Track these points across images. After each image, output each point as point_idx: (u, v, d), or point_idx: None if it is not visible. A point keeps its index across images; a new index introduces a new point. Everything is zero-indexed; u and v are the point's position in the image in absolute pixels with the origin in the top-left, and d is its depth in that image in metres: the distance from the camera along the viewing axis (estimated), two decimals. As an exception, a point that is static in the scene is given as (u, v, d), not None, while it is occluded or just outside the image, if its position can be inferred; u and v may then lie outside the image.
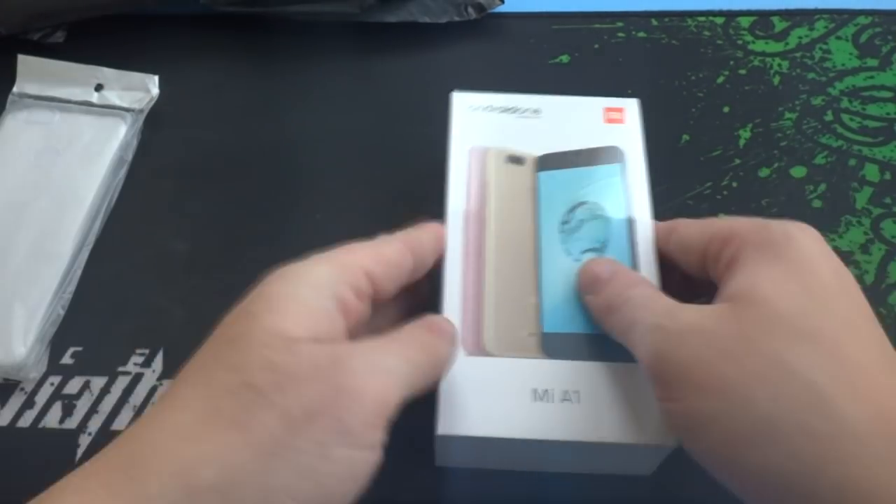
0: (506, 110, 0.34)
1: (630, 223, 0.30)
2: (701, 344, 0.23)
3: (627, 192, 0.31)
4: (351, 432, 0.21)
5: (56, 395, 0.34)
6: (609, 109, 0.34)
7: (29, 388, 0.34)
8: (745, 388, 0.22)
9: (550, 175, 0.32)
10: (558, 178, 0.32)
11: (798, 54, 0.44)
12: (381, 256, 0.26)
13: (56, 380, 0.34)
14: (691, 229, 0.28)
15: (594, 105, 0.34)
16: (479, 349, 0.28)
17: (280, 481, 0.20)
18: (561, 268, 0.29)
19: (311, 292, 0.23)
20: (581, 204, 0.31)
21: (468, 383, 0.27)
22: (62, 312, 0.35)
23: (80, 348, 0.35)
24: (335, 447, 0.20)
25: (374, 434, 0.21)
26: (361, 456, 0.21)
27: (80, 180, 0.38)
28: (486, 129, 0.33)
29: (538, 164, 0.32)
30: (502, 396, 0.27)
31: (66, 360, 0.35)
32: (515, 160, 0.32)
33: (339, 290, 0.24)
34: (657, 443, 0.26)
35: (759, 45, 0.44)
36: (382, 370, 0.22)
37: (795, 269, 0.23)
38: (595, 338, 0.28)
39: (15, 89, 0.40)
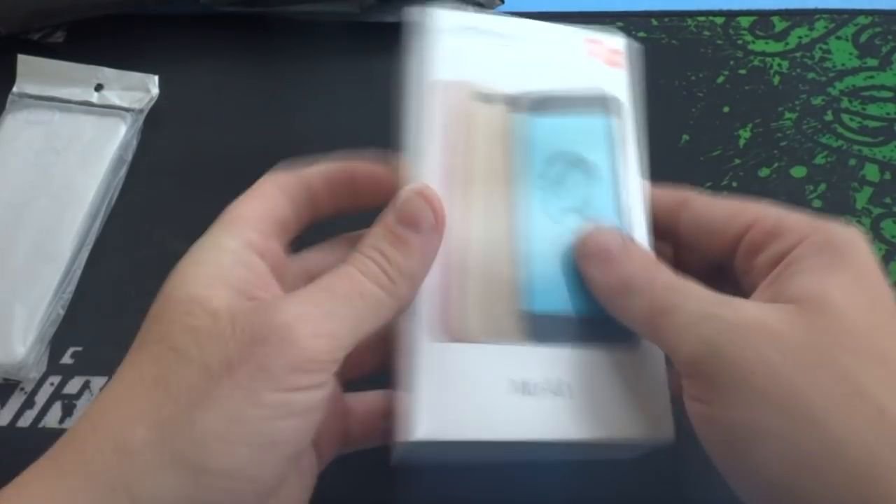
0: (483, 33, 0.28)
1: (618, 182, 0.27)
2: (767, 345, 0.20)
3: (611, 141, 0.27)
4: (276, 378, 0.20)
5: (56, 395, 0.34)
6: (591, 41, 0.30)
7: (29, 388, 0.34)
8: (815, 404, 0.19)
9: (529, 119, 0.27)
10: (538, 124, 0.27)
11: (798, 54, 0.44)
12: (283, 182, 0.26)
13: (56, 380, 0.34)
14: (716, 209, 0.25)
15: (579, 36, 0.30)
16: (450, 332, 0.24)
17: (209, 428, 0.20)
18: (543, 234, 0.26)
19: (219, 252, 0.23)
20: (563, 153, 0.27)
21: (435, 376, 0.23)
22: (62, 312, 0.35)
23: (79, 348, 0.35)
24: (262, 392, 0.20)
25: (306, 377, 0.21)
26: (299, 397, 0.21)
27: (80, 180, 0.38)
28: (462, 55, 0.28)
29: (514, 105, 0.27)
30: (483, 390, 0.23)
31: (66, 360, 0.35)
32: (490, 99, 0.27)
33: (246, 237, 0.24)
34: (660, 438, 0.24)
35: (759, 45, 0.44)
36: (308, 316, 0.21)
37: (861, 281, 0.22)
38: (581, 316, 0.25)
39: (15, 89, 0.40)
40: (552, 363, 0.24)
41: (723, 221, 0.25)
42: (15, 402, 0.34)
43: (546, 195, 0.26)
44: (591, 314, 0.25)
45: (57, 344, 0.35)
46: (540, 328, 0.24)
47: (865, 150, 0.40)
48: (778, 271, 0.23)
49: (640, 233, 0.26)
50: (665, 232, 0.27)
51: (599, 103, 0.28)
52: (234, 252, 0.23)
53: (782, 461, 0.20)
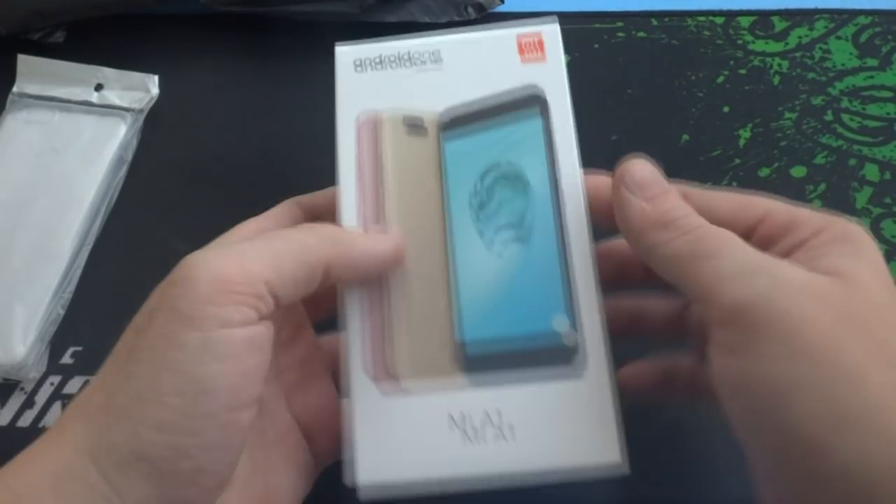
0: (400, 62, 0.27)
1: (555, 192, 0.25)
2: (815, 304, 0.20)
3: (550, 145, 0.26)
4: (190, 316, 0.21)
5: (56, 395, 0.34)
6: (524, 42, 0.28)
7: (29, 388, 0.34)
8: (859, 365, 0.19)
9: (455, 136, 0.26)
10: (465, 139, 0.26)
11: (798, 54, 0.44)
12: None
13: (56, 380, 0.34)
14: (721, 203, 0.25)
15: (505, 39, 0.28)
16: (384, 373, 0.24)
17: (141, 379, 0.21)
18: (475, 255, 0.25)
19: (218, 247, 0.25)
20: (492, 168, 0.26)
21: (383, 420, 0.23)
22: (62, 312, 0.35)
23: (79, 348, 0.35)
24: (179, 334, 0.21)
25: (217, 309, 0.21)
26: (218, 336, 0.21)
27: (80, 180, 0.38)
28: (378, 90, 0.27)
29: (440, 125, 0.27)
30: (423, 432, 0.23)
31: (66, 359, 0.35)
32: (414, 124, 0.27)
33: (242, 233, 0.26)
34: (608, 462, 0.23)
35: (759, 45, 0.44)
36: (219, 255, 0.22)
37: (877, 269, 0.22)
38: (517, 341, 0.24)
39: (15, 89, 0.41)
40: (490, 394, 0.24)
41: (730, 215, 0.25)
42: (15, 402, 0.34)
43: (479, 216, 0.25)
44: (530, 338, 0.24)
45: (57, 344, 0.35)
46: (476, 359, 0.24)
47: (865, 150, 0.40)
48: (800, 256, 0.23)
49: (579, 243, 0.25)
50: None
51: (526, 104, 0.27)
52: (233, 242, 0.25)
53: (821, 417, 0.19)
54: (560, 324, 0.25)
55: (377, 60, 0.27)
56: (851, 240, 0.22)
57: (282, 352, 0.27)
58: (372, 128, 0.27)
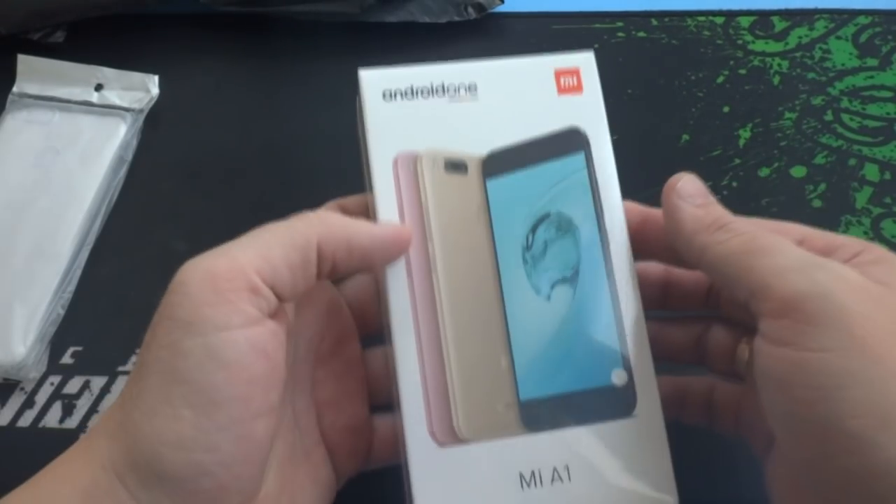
0: (432, 92, 0.26)
1: (603, 234, 0.26)
2: (869, 301, 0.21)
3: (595, 190, 0.26)
4: (189, 322, 0.21)
5: (56, 395, 0.34)
6: (561, 73, 0.27)
7: (29, 388, 0.34)
8: None
9: (501, 182, 0.26)
10: (512, 185, 0.26)
11: (798, 54, 0.44)
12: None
13: (56, 380, 0.34)
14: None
15: (543, 71, 0.27)
16: (443, 434, 0.24)
17: (154, 396, 0.21)
18: (531, 310, 0.25)
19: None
20: (544, 218, 0.25)
21: (445, 479, 0.23)
22: (62, 312, 0.35)
23: (80, 348, 0.35)
24: (183, 342, 0.21)
25: (217, 311, 0.21)
26: (218, 340, 0.21)
27: (80, 180, 0.38)
28: (411, 124, 0.26)
29: (484, 169, 0.26)
30: (485, 490, 0.23)
31: (66, 359, 0.35)
32: (456, 167, 0.26)
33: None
34: (663, 499, 0.24)
35: (759, 45, 0.44)
36: (209, 255, 0.22)
37: None
38: (577, 396, 0.24)
39: (15, 89, 0.40)
40: (552, 448, 0.24)
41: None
42: (15, 402, 0.34)
43: (532, 271, 0.25)
44: (591, 394, 0.24)
45: (57, 344, 0.35)
46: (536, 415, 0.24)
47: (865, 150, 0.40)
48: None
49: (625, 282, 0.25)
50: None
51: (572, 142, 0.26)
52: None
53: (868, 412, 0.19)
54: (620, 378, 0.25)
55: (408, 90, 0.26)
56: (889, 262, 0.23)
57: (319, 365, 0.27)
58: (411, 170, 0.25)
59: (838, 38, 0.44)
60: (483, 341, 0.24)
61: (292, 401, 0.26)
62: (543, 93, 0.27)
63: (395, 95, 0.26)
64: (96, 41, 0.43)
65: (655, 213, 0.27)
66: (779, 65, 0.43)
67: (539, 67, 0.27)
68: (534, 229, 0.26)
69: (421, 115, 0.26)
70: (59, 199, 0.38)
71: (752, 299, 0.23)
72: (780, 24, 0.45)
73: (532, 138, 0.26)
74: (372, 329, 0.28)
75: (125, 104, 0.41)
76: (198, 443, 0.20)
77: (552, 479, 0.23)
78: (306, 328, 0.26)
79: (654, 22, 0.45)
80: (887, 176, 0.39)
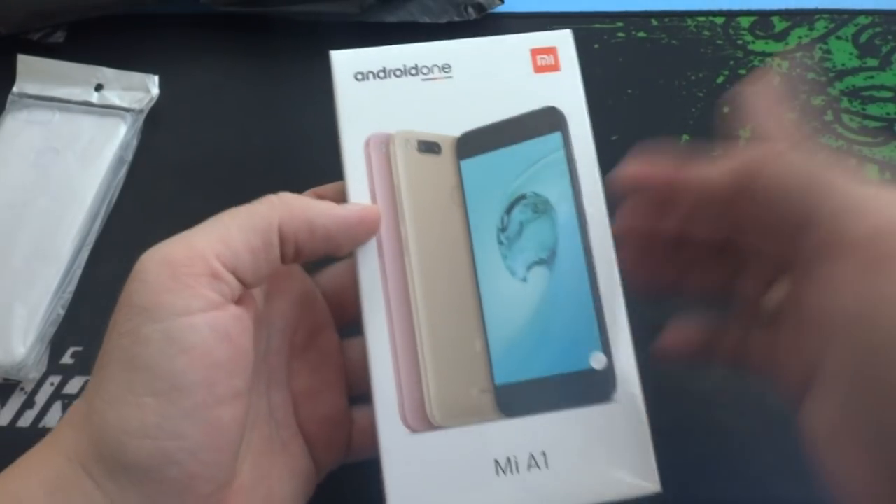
0: (405, 73, 0.26)
1: (581, 215, 0.25)
2: None
3: (573, 170, 0.25)
4: (147, 308, 0.21)
5: (56, 395, 0.34)
6: (538, 52, 0.26)
7: (29, 388, 0.34)
8: None
9: (476, 162, 0.25)
10: (486, 165, 0.25)
11: (798, 54, 0.44)
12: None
13: (56, 380, 0.34)
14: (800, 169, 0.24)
15: (519, 48, 0.26)
16: (415, 421, 0.23)
17: (116, 385, 0.20)
18: (506, 293, 0.24)
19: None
20: (519, 199, 0.25)
21: (418, 465, 0.23)
22: (62, 312, 0.35)
23: (79, 348, 0.35)
24: (142, 328, 0.20)
25: (176, 297, 0.21)
26: (177, 325, 0.20)
27: (80, 180, 0.38)
28: (384, 104, 0.25)
29: (458, 149, 0.25)
30: (459, 476, 0.23)
31: (66, 360, 0.35)
32: (429, 147, 0.25)
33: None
34: (646, 489, 0.23)
35: (759, 45, 0.44)
36: (167, 242, 0.22)
37: None
38: (554, 381, 0.24)
39: (15, 89, 0.40)
40: (528, 434, 0.23)
41: None
42: (15, 402, 0.34)
43: (508, 253, 0.25)
44: (569, 378, 0.24)
45: (57, 344, 0.35)
46: (511, 400, 0.24)
47: (865, 150, 0.40)
48: None
49: (606, 265, 0.25)
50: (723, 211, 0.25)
51: (549, 121, 0.26)
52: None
53: None
54: (598, 362, 0.25)
55: (380, 71, 0.26)
56: None
57: (294, 356, 0.27)
58: (384, 151, 0.25)
59: (838, 38, 0.44)
60: (457, 324, 0.24)
61: (267, 392, 0.26)
62: (519, 71, 0.26)
63: (368, 76, 0.26)
64: (96, 41, 0.43)
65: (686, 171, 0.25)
66: (779, 65, 0.43)
67: (514, 46, 0.26)
68: (509, 210, 0.25)
69: (394, 95, 0.25)
70: (59, 199, 0.38)
71: (819, 230, 0.21)
72: (780, 25, 0.45)
73: (507, 118, 0.26)
74: (350, 319, 0.28)
75: (125, 104, 0.40)
76: (162, 430, 0.20)
77: (529, 466, 0.23)
78: (279, 318, 0.26)
79: (654, 22, 0.45)
80: (887, 176, 0.39)
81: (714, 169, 0.24)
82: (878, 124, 0.41)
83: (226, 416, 0.21)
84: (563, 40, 0.27)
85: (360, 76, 0.26)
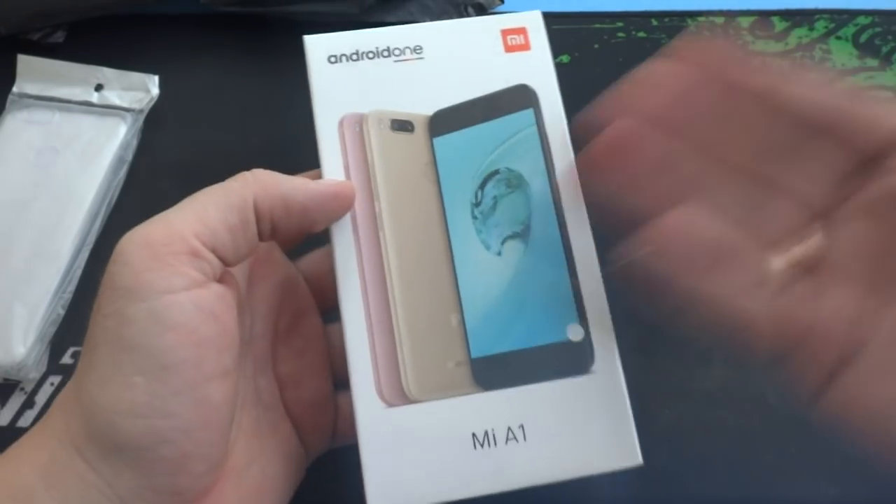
0: (378, 55, 0.26)
1: (554, 189, 0.25)
2: None
3: (545, 145, 0.25)
4: (130, 289, 0.21)
5: (56, 394, 0.34)
6: (508, 32, 0.27)
7: (29, 388, 0.34)
8: None
9: (448, 140, 0.26)
10: (459, 142, 0.25)
11: (798, 54, 0.44)
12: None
13: (56, 380, 0.34)
14: None
15: (489, 29, 0.27)
16: (391, 395, 0.23)
17: (104, 366, 0.21)
18: (481, 267, 0.24)
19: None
20: (493, 174, 0.25)
21: (394, 439, 0.23)
22: (62, 312, 0.35)
23: (80, 348, 0.35)
24: (127, 308, 0.20)
25: (158, 276, 0.21)
26: (161, 304, 0.20)
27: (80, 180, 0.38)
28: (357, 85, 0.26)
29: (431, 127, 0.26)
30: (437, 450, 0.23)
31: (66, 360, 0.35)
32: (402, 126, 0.26)
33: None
34: (626, 463, 0.23)
35: (759, 45, 0.44)
36: (145, 224, 0.22)
37: None
38: (531, 353, 0.24)
39: (15, 89, 0.40)
40: (505, 407, 0.23)
41: None
42: (15, 402, 0.34)
43: (482, 227, 0.25)
44: (546, 351, 0.24)
45: (57, 344, 0.35)
46: (488, 373, 0.24)
47: (865, 151, 0.40)
48: None
49: (581, 238, 0.25)
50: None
51: (521, 99, 0.26)
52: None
53: None
54: (575, 333, 0.24)
55: (353, 53, 0.26)
56: None
57: (278, 341, 0.27)
58: (357, 130, 0.26)
59: (838, 38, 0.44)
60: (432, 299, 0.24)
61: (254, 377, 0.26)
62: (490, 51, 0.27)
63: (341, 58, 0.26)
64: (96, 41, 0.43)
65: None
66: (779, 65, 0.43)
67: (485, 27, 0.27)
68: (482, 185, 0.25)
69: (366, 76, 0.26)
70: (59, 198, 0.38)
71: (860, 136, 0.21)
72: (780, 25, 0.45)
73: (479, 96, 0.26)
74: (332, 304, 0.27)
75: (125, 104, 0.40)
76: (153, 409, 0.20)
77: (506, 439, 0.23)
78: (262, 304, 0.26)
79: (654, 22, 0.45)
80: (887, 176, 0.39)
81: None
82: (878, 124, 0.41)
83: (215, 394, 0.21)
84: (532, 21, 0.27)
85: (333, 59, 0.26)
